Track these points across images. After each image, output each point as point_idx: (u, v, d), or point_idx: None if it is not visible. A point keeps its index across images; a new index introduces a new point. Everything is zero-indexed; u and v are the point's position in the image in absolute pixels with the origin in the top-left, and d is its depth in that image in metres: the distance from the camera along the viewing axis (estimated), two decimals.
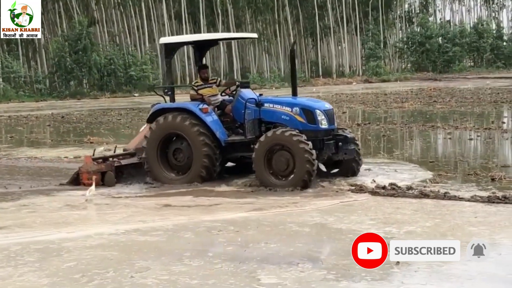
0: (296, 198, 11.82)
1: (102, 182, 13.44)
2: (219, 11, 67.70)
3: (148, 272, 7.62)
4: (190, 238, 9.29)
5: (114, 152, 14.97)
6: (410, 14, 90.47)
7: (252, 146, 12.92)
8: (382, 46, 77.75)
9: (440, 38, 79.21)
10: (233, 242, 8.91)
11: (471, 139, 19.87)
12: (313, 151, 12.33)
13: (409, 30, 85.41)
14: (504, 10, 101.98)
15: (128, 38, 64.79)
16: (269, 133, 12.66)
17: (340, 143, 13.19)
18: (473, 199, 11.14)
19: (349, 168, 13.48)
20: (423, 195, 11.60)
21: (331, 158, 13.13)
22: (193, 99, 13.86)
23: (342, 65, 77.42)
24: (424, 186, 12.30)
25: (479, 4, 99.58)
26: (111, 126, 28.43)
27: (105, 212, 11.26)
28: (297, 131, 12.54)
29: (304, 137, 12.39)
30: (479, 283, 6.99)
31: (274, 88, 59.13)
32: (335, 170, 13.52)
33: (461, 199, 11.25)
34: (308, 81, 66.77)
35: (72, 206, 11.79)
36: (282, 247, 8.64)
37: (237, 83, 14.14)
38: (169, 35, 64.11)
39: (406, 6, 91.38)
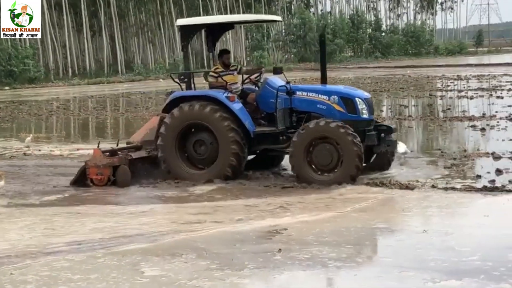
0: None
1: (114, 177, 12.08)
2: (101, 1, 66.54)
3: (28, 269, 7.44)
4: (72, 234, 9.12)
5: (117, 145, 13.24)
6: (292, 5, 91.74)
7: (281, 137, 12.07)
8: (266, 37, 78.56)
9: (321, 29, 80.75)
10: (116, 235, 8.83)
11: None
12: (361, 145, 11.41)
13: (291, 22, 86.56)
14: (382, 1, 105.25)
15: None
16: (311, 124, 11.55)
17: (382, 134, 12.23)
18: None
19: (383, 162, 12.58)
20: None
21: (373, 150, 12.26)
22: (212, 87, 12.57)
23: None
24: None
25: None
26: None
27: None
28: (342, 122, 11.54)
29: (351, 129, 11.40)
30: (356, 267, 7.23)
31: (161, 80, 58.77)
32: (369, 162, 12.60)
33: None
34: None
35: None
36: (166, 238, 8.63)
37: (262, 69, 13.12)
38: (49, 26, 62.48)
39: None
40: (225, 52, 13.09)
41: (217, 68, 12.72)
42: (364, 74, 51.03)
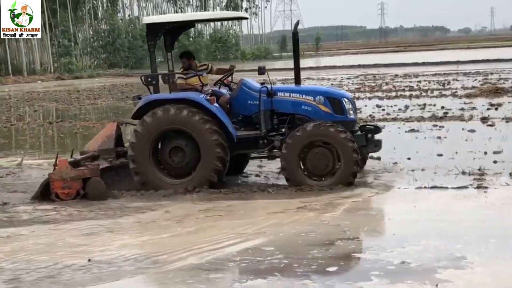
0: None
1: (83, 190, 11.00)
2: None
3: None
4: None
5: (71, 156, 11.87)
6: (97, 10, 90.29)
7: (261, 141, 11.41)
8: (73, 43, 76.98)
9: (130, 35, 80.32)
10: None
11: None
12: (358, 150, 10.98)
13: (100, 27, 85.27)
14: (190, 7, 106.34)
15: None
16: (308, 127, 10.96)
17: (369, 135, 11.81)
18: None
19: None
20: None
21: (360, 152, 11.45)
22: (180, 89, 11.65)
23: (33, 62, 75.30)
24: None
25: (165, 1, 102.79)
26: None
27: None
28: (340, 126, 11.01)
29: (350, 134, 10.98)
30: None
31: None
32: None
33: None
34: None
35: None
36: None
37: (233, 69, 12.37)
38: None
39: (94, 1, 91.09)
40: (183, 56, 12.29)
41: (184, 70, 12.08)
42: None
